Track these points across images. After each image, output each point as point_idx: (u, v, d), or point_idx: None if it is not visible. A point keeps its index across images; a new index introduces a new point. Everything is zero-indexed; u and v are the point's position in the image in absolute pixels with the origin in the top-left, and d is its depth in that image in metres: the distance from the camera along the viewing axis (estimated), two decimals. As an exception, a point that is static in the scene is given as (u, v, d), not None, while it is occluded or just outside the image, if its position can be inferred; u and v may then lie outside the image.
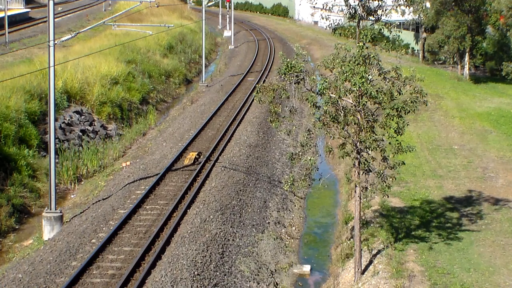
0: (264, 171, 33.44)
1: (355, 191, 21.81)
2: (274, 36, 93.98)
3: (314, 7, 59.75)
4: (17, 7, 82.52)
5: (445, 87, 54.09)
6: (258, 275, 23.10)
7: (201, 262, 22.17)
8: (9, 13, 66.18)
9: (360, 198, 21.68)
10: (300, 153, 21.78)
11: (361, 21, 48.68)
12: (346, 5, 48.97)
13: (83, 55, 43.95)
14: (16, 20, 73.67)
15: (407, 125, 20.96)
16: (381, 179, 20.87)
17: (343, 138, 20.94)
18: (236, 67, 67.55)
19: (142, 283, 20.60)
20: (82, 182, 33.42)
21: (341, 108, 20.73)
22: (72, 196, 31.87)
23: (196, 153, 34.02)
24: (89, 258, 21.98)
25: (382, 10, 47.50)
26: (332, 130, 20.92)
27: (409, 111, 20.59)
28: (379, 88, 20.34)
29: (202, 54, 61.40)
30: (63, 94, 40.12)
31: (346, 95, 20.58)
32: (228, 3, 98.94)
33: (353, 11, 48.05)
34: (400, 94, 20.62)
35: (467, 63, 62.12)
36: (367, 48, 20.87)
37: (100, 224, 25.45)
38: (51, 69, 25.98)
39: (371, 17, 48.11)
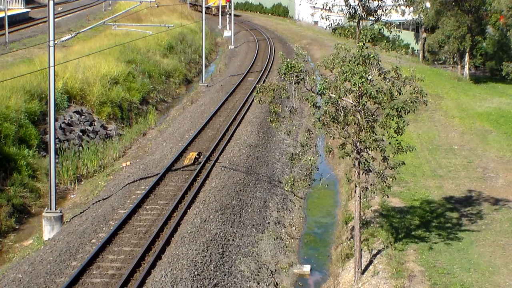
0: (264, 171, 33.44)
1: (355, 191, 21.81)
2: (274, 36, 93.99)
3: (314, 7, 59.75)
4: (17, 7, 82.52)
5: (445, 87, 54.09)
6: (258, 275, 23.10)
7: (201, 262, 22.18)
8: (9, 13, 66.18)
9: (360, 198, 21.68)
10: (300, 153, 21.79)
11: (361, 21, 48.71)
12: (346, 5, 49.01)
13: (83, 55, 43.96)
14: (16, 20, 73.68)
15: (407, 125, 20.96)
16: (381, 179, 20.87)
17: (343, 138, 20.95)
18: (236, 67, 67.55)
19: (142, 283, 20.60)
20: (82, 182, 33.42)
21: (341, 108, 20.74)
22: (72, 196, 31.87)
23: (196, 153, 34.02)
24: (89, 258, 21.99)
25: (382, 10, 47.54)
26: (332, 130, 20.92)
27: (409, 111, 20.59)
28: (379, 88, 20.34)
29: (202, 54, 61.41)
30: (63, 94, 40.13)
31: (346, 95, 20.58)
32: (228, 3, 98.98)
33: (353, 11, 48.10)
34: (400, 94, 20.63)
35: (467, 63, 62.14)
36: (367, 48, 20.87)
37: (100, 224, 25.45)
38: (51, 69, 25.99)
39: (371, 17, 48.14)
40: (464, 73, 62.21)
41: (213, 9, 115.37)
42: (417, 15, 64.42)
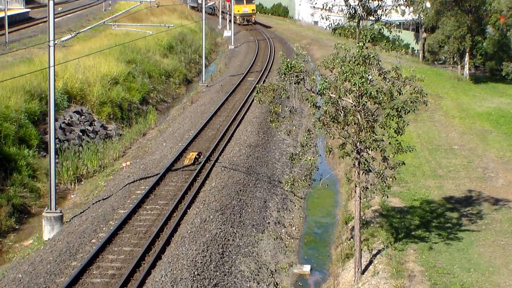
0: (264, 171, 33.44)
1: (355, 191, 21.81)
2: (274, 36, 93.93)
3: (314, 7, 59.74)
4: (17, 7, 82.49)
5: (445, 87, 54.10)
6: (258, 275, 23.10)
7: (201, 262, 22.18)
8: (9, 13, 66.16)
9: (360, 198, 21.68)
10: (300, 153, 21.79)
11: (361, 21, 48.71)
12: (346, 5, 49.00)
13: (83, 55, 43.96)
14: (16, 20, 73.66)
15: (407, 125, 20.97)
16: (381, 179, 20.87)
17: (343, 138, 20.95)
18: (236, 67, 67.54)
19: (142, 283, 20.60)
20: (82, 182, 33.42)
21: (341, 108, 20.74)
22: (72, 196, 31.88)
23: (196, 153, 34.02)
24: (89, 258, 21.99)
25: (382, 10, 47.52)
26: (332, 130, 20.92)
27: (409, 111, 20.60)
28: (379, 88, 20.35)
29: (202, 54, 61.40)
30: (63, 94, 40.13)
31: (346, 95, 20.59)
32: (228, 3, 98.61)
33: (353, 11, 48.09)
34: (400, 94, 20.64)
35: (467, 63, 62.17)
36: (367, 48, 20.88)
37: (100, 224, 25.45)
38: (51, 69, 25.99)
39: (371, 17, 48.14)
40: (464, 73, 62.22)
41: (238, 17, 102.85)
42: (417, 15, 64.45)
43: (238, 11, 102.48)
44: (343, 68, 20.49)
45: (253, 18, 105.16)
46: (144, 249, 22.74)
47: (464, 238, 24.50)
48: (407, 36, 77.17)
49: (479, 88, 57.39)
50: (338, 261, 24.55)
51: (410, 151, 21.25)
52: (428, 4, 61.70)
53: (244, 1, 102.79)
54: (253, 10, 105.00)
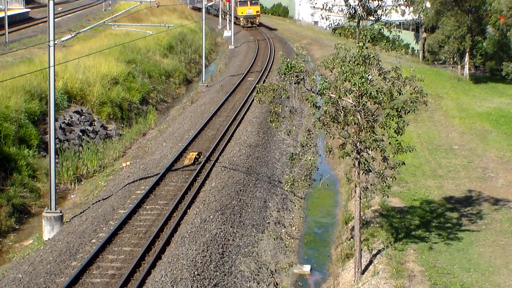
0: (264, 171, 33.44)
1: (355, 191, 21.82)
2: (274, 36, 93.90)
3: (314, 7, 59.73)
4: (17, 7, 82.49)
5: (445, 87, 54.10)
6: (258, 275, 23.10)
7: (201, 262, 22.18)
8: (9, 13, 66.17)
9: (360, 198, 21.68)
10: (300, 153, 21.79)
11: (361, 21, 48.72)
12: (346, 5, 49.01)
13: (83, 55, 43.96)
14: (16, 20, 73.67)
15: (407, 125, 20.97)
16: (381, 179, 20.87)
17: (343, 138, 20.95)
18: (236, 67, 67.54)
19: (142, 283, 20.60)
20: (82, 182, 33.42)
21: (341, 108, 20.75)
22: (72, 196, 31.88)
23: (196, 153, 34.02)
24: (89, 258, 21.99)
25: (382, 10, 47.53)
26: (332, 130, 20.93)
27: (409, 111, 20.60)
28: (379, 88, 20.35)
29: (202, 54, 61.40)
30: (63, 94, 40.12)
31: (346, 95, 20.60)
32: (228, 3, 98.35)
33: (353, 11, 48.10)
34: (400, 94, 20.64)
35: (467, 63, 62.17)
36: (367, 48, 20.87)
37: (100, 224, 25.45)
38: (51, 69, 25.99)
39: (371, 17, 48.16)
40: (464, 73, 62.22)
41: (241, 19, 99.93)
42: (417, 15, 64.44)
43: (242, 12, 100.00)
44: (343, 68, 20.49)
45: (257, 20, 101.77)
46: (144, 249, 22.74)
47: (464, 238, 24.51)
48: (407, 36, 77.17)
49: (479, 88, 57.40)
50: (338, 261, 24.56)
51: (410, 151, 21.25)
52: (428, 4, 61.69)
53: (248, 2, 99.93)
54: (257, 12, 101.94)
